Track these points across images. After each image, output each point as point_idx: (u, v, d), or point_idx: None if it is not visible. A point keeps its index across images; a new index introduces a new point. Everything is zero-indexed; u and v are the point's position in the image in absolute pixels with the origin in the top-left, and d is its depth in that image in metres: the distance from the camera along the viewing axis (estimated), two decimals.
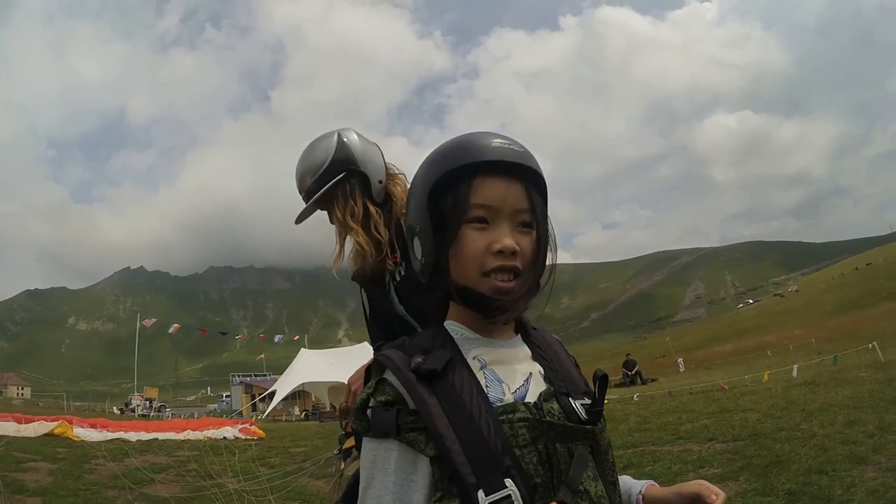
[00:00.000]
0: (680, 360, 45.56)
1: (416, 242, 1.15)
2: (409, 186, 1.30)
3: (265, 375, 68.51)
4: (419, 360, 1.01)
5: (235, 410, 51.38)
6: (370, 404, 1.01)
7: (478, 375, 1.04)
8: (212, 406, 78.32)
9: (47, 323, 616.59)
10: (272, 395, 39.81)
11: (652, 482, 1.24)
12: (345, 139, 2.21)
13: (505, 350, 1.13)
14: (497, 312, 1.08)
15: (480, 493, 0.90)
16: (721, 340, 72.19)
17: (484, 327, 1.13)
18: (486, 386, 1.03)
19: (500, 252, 1.05)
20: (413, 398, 0.97)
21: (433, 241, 1.10)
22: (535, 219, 1.11)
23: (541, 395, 1.05)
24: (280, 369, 51.34)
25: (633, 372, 31.08)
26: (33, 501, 7.46)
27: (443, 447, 0.93)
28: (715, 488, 1.09)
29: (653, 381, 29.66)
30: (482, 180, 1.08)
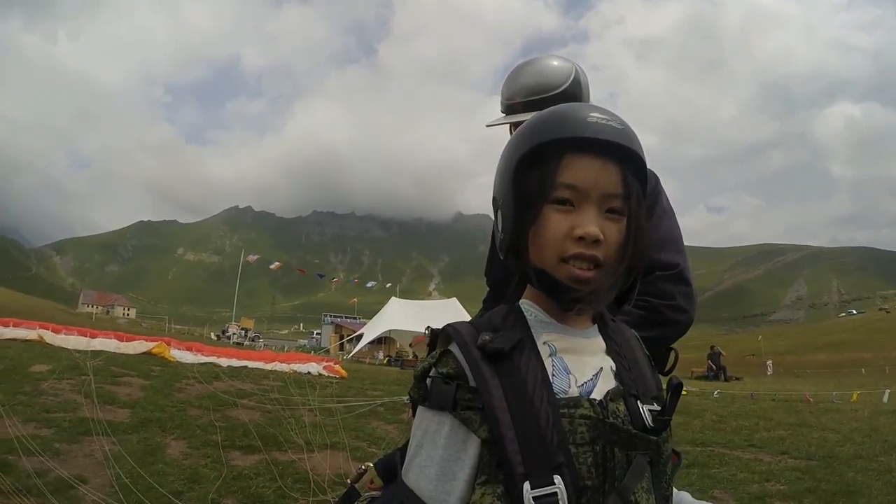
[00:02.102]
0: (769, 362, 43.87)
1: (499, 215, 1.08)
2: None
3: (355, 318, 70.79)
4: (487, 337, 0.95)
5: (323, 348, 53.35)
6: (431, 374, 0.98)
7: (545, 362, 0.97)
8: (302, 341, 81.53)
9: (157, 251, 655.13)
10: (360, 337, 41.37)
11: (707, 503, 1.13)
12: (580, 78, 2.05)
13: (578, 339, 1.05)
14: (572, 303, 1.02)
15: (526, 486, 0.85)
16: (815, 349, 68.91)
17: (560, 313, 1.06)
18: (553, 375, 0.96)
19: (582, 238, 0.97)
20: (474, 376, 0.93)
21: (514, 217, 1.03)
22: (627, 206, 1.02)
23: (608, 393, 0.98)
24: (370, 314, 52.76)
25: (718, 366, 30.06)
26: (123, 412, 7.94)
27: (496, 431, 0.89)
28: None
29: (737, 379, 28.69)
30: (573, 158, 1.00)
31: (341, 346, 50.16)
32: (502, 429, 0.88)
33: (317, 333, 79.61)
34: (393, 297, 43.43)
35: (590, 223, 0.97)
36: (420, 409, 0.98)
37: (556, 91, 2.00)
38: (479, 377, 0.92)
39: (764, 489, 6.01)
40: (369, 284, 68.49)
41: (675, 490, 1.12)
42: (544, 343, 1.00)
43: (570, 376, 0.97)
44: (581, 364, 1.00)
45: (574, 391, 0.96)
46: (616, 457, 0.91)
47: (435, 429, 0.94)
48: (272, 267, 57.13)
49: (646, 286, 1.71)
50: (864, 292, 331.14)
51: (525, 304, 1.08)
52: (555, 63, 2.07)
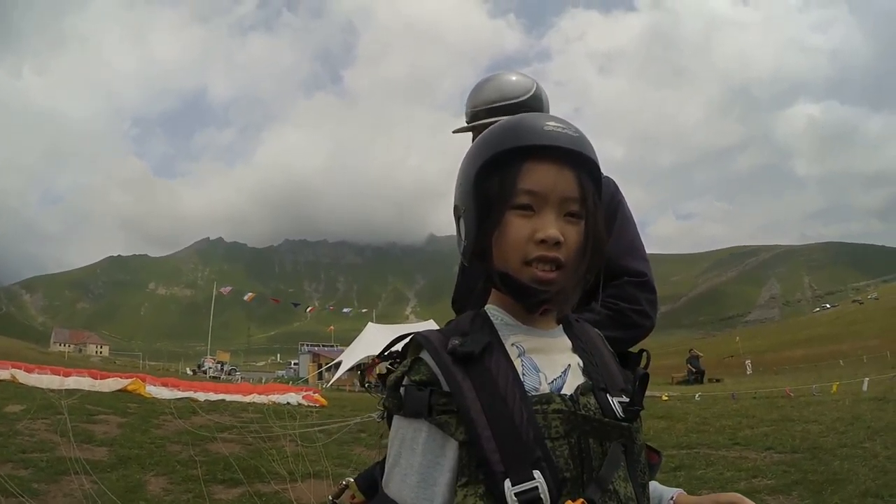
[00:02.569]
0: (748, 361, 44.39)
1: (462, 223, 1.12)
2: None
3: (332, 346, 70.62)
4: (456, 342, 0.98)
5: (302, 378, 52.85)
6: (404, 382, 0.99)
7: (515, 363, 1.00)
8: (280, 372, 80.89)
9: (128, 287, 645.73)
10: (338, 365, 40.94)
11: (681, 490, 1.18)
12: (541, 94, 2.16)
13: (545, 339, 1.09)
14: (538, 304, 1.06)
15: (507, 483, 0.87)
16: (792, 345, 69.66)
17: (525, 315, 1.10)
18: (523, 374, 0.99)
19: (543, 241, 1.01)
20: (447, 380, 0.95)
21: (477, 224, 1.07)
22: (584, 209, 1.06)
23: (578, 388, 1.01)
24: (347, 341, 52.34)
25: (697, 369, 30.24)
26: (101, 450, 7.83)
27: (473, 432, 0.91)
28: (752, 502, 1.01)
29: (717, 381, 28.93)
30: (532, 165, 1.04)
31: (320, 375, 49.74)
32: (479, 429, 0.90)
33: (294, 363, 78.87)
34: (370, 323, 43.46)
35: (550, 226, 1.02)
36: (396, 419, 1.00)
37: (518, 100, 2.11)
38: (451, 381, 0.94)
39: (752, 485, 6.06)
40: (345, 311, 68.33)
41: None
42: (512, 344, 1.04)
43: (540, 374, 1.01)
44: (550, 362, 1.04)
45: (545, 388, 0.99)
46: (592, 448, 0.95)
47: (412, 436, 0.96)
48: (246, 298, 56.34)
49: (614, 290, 1.86)
50: (836, 286, 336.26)
51: (490, 309, 1.12)
52: (514, 78, 2.18)
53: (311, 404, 17.94)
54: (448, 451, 0.94)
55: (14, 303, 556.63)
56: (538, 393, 0.97)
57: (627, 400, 1.05)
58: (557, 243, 1.01)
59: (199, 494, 6.09)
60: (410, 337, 1.08)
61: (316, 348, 70.77)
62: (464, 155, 1.17)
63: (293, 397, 18.57)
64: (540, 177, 1.03)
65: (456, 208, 1.14)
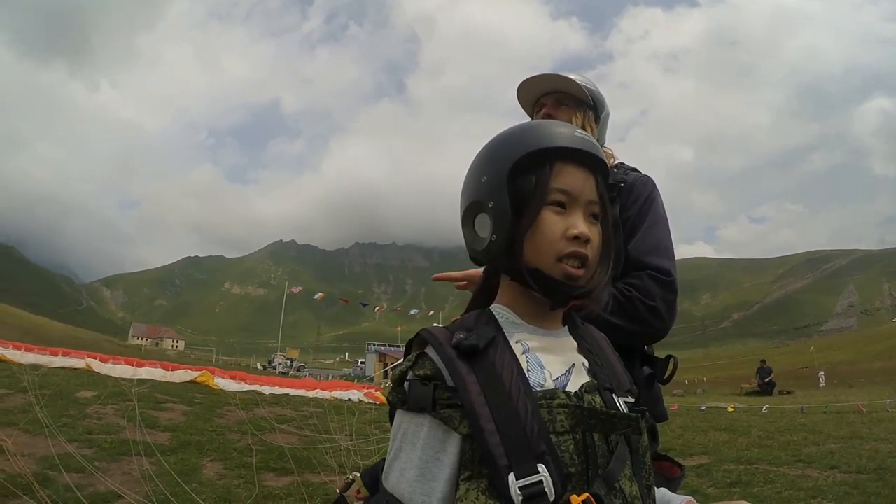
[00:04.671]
0: (821, 373, 42.11)
1: (484, 219, 1.11)
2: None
3: (399, 346, 70.92)
4: (461, 335, 0.99)
5: (367, 376, 53.55)
6: (408, 377, 1.00)
7: (520, 359, 1.01)
8: (347, 370, 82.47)
9: (204, 285, 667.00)
10: None
11: (690, 499, 1.15)
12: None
13: (550, 338, 1.11)
14: (565, 300, 1.08)
15: (511, 477, 0.87)
16: (870, 356, 65.93)
17: (532, 314, 1.12)
18: (528, 370, 1.00)
19: (577, 238, 1.05)
20: (451, 374, 0.96)
21: (511, 219, 1.07)
22: (603, 212, 1.12)
23: (583, 386, 1.03)
24: None
25: (767, 381, 29.13)
26: (163, 435, 8.13)
27: (476, 426, 0.91)
28: None
29: (788, 393, 27.78)
30: (563, 166, 1.08)
31: (385, 374, 50.43)
32: (482, 423, 0.91)
33: (361, 362, 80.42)
34: (435, 324, 43.63)
35: (582, 224, 1.06)
36: (398, 413, 1.01)
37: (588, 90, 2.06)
38: (455, 375, 0.95)
39: None
40: (412, 312, 68.67)
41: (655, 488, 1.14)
42: (517, 342, 1.05)
43: (545, 371, 1.02)
44: (554, 360, 1.06)
45: (550, 384, 1.00)
46: (597, 444, 0.95)
47: (413, 431, 0.97)
48: (316, 298, 57.68)
49: (632, 279, 1.76)
50: None
51: (496, 308, 1.13)
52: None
53: (371, 401, 18.11)
54: (450, 447, 0.94)
55: (94, 298, 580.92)
56: (543, 389, 0.98)
57: (633, 400, 1.08)
58: (588, 241, 1.06)
59: (250, 480, 6.26)
60: (416, 333, 1.08)
61: (382, 348, 71.92)
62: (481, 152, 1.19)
63: (355, 394, 18.79)
64: (572, 178, 1.08)
65: (476, 204, 1.14)
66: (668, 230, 1.92)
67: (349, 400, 17.51)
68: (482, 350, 0.98)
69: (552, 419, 0.93)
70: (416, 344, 1.07)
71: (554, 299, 1.08)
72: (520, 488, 0.86)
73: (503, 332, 1.05)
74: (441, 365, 0.97)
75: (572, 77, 2.04)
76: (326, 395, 17.47)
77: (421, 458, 0.94)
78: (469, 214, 1.15)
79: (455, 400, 0.94)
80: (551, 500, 0.87)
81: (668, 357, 1.75)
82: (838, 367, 54.02)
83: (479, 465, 0.91)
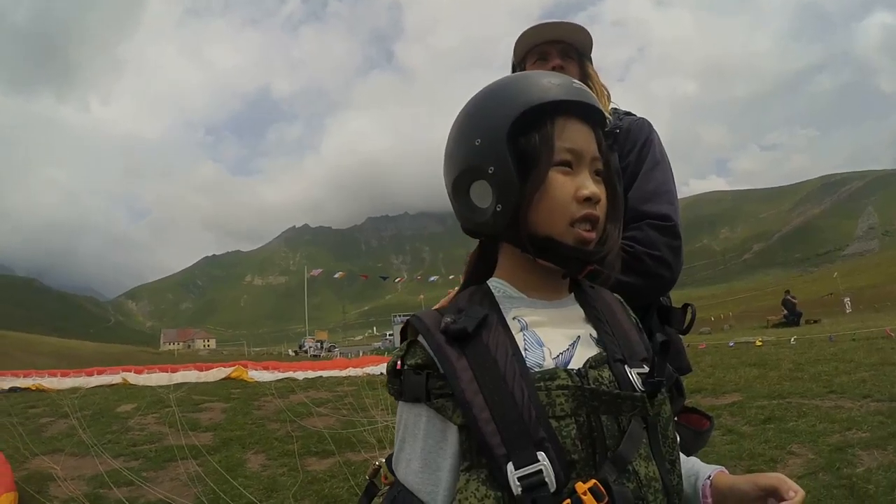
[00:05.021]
0: (847, 299, 41.29)
1: (482, 187, 1.01)
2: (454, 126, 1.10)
3: None
4: (449, 319, 0.93)
5: (397, 347, 54.17)
6: (400, 367, 0.96)
7: (517, 337, 0.94)
8: (376, 344, 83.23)
9: (226, 282, 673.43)
10: None
11: (722, 468, 1.07)
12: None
13: (550, 311, 1.03)
14: (580, 267, 1.01)
15: (510, 466, 0.82)
16: (894, 278, 65.27)
17: (534, 286, 1.04)
18: (525, 349, 0.93)
19: (588, 199, 0.97)
20: (440, 361, 0.90)
21: (518, 184, 0.97)
22: (606, 168, 1.04)
23: (588, 361, 0.94)
24: None
25: (793, 312, 28.77)
26: (205, 436, 8.26)
27: (470, 415, 0.86)
28: (794, 485, 0.93)
29: (815, 322, 27.43)
30: (565, 122, 0.99)
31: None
32: (476, 411, 0.86)
33: (389, 335, 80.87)
34: (457, 288, 43.91)
35: (591, 183, 0.99)
36: (399, 405, 0.98)
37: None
38: (445, 362, 0.90)
39: (845, 439, 5.66)
40: (432, 279, 68.87)
41: (684, 456, 1.10)
42: (514, 318, 0.99)
43: (544, 349, 0.95)
44: (555, 335, 0.98)
45: (549, 363, 0.93)
46: (604, 425, 0.89)
47: (413, 422, 0.94)
48: (336, 277, 58.33)
49: (633, 231, 1.68)
50: None
51: (493, 282, 1.07)
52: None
53: None
54: (450, 436, 0.90)
55: (121, 312, 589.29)
56: (541, 369, 0.91)
57: (647, 370, 0.98)
58: (598, 201, 0.99)
59: (293, 467, 6.39)
60: (407, 319, 1.03)
61: (408, 317, 72.46)
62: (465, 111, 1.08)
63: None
64: (575, 134, 1.00)
65: (470, 171, 1.02)
66: (668, 172, 1.83)
67: (382, 374, 17.58)
68: (474, 332, 0.91)
69: (551, 403, 0.87)
70: (410, 331, 1.01)
71: (569, 268, 1.01)
72: (518, 479, 0.81)
73: (498, 310, 0.98)
74: (431, 352, 0.92)
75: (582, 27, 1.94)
76: (359, 371, 17.56)
77: (423, 449, 0.91)
78: (462, 183, 1.04)
79: (447, 389, 0.89)
80: (552, 490, 0.82)
81: (686, 306, 1.71)
82: (863, 292, 53.49)
83: (478, 456, 0.86)
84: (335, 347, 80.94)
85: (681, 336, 1.81)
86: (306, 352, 67.51)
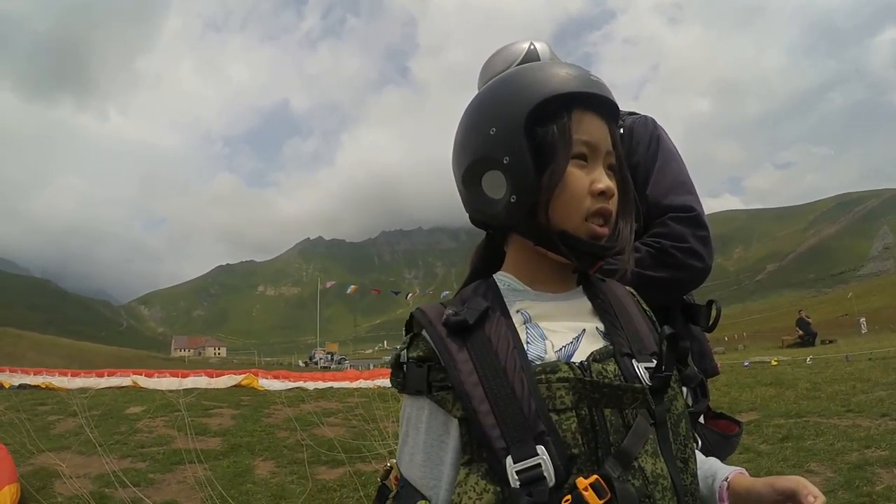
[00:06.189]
0: (862, 319, 41.05)
1: (496, 177, 0.99)
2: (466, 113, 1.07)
3: None
4: (451, 311, 0.92)
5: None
6: (402, 359, 0.94)
7: (519, 330, 0.93)
8: (387, 358, 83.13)
9: (239, 291, 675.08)
10: None
11: (742, 470, 1.05)
12: (533, 46, 1.94)
13: (556, 303, 1.01)
14: (593, 261, 1.00)
15: (509, 460, 0.81)
16: None
17: (538, 278, 1.03)
18: (527, 342, 0.92)
19: (602, 193, 0.96)
20: (441, 353, 0.89)
21: (534, 176, 0.96)
22: (619, 162, 1.02)
23: (592, 354, 0.92)
24: None
25: (807, 332, 28.47)
26: (214, 441, 8.28)
27: (469, 407, 0.85)
28: (814, 489, 0.91)
29: (831, 342, 27.21)
30: (581, 114, 0.98)
31: None
32: (475, 404, 0.84)
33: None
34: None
35: (605, 177, 0.97)
36: (403, 398, 0.97)
37: (516, 63, 1.86)
38: (445, 354, 0.89)
39: (864, 457, 5.59)
40: (444, 294, 68.84)
41: (703, 456, 1.08)
42: (517, 311, 0.97)
43: (547, 342, 0.93)
44: (560, 328, 0.96)
45: (551, 356, 0.91)
46: (608, 419, 0.86)
47: (416, 415, 0.93)
48: (349, 290, 58.84)
49: (658, 227, 1.67)
50: None
51: (499, 276, 1.05)
52: (516, 45, 1.98)
53: None
54: (452, 430, 0.89)
55: (133, 317, 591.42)
56: (543, 362, 0.89)
57: (654, 364, 0.95)
58: (612, 196, 0.98)
59: (303, 476, 6.37)
60: (411, 312, 1.01)
61: None
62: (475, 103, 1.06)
63: None
64: (591, 127, 0.98)
65: (483, 160, 1.00)
66: (682, 164, 1.81)
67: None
68: (476, 324, 0.90)
69: (552, 395, 0.85)
70: (414, 324, 0.99)
71: (583, 262, 0.99)
72: (517, 472, 0.80)
73: (502, 302, 0.97)
74: (432, 344, 0.91)
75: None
76: (370, 384, 17.56)
77: (426, 443, 0.90)
78: (474, 173, 1.02)
79: (448, 381, 0.87)
80: (551, 484, 0.80)
81: (710, 302, 1.67)
82: (879, 313, 52.99)
83: (478, 449, 0.85)
84: (345, 360, 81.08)
85: (707, 337, 1.78)
86: (316, 363, 67.77)
